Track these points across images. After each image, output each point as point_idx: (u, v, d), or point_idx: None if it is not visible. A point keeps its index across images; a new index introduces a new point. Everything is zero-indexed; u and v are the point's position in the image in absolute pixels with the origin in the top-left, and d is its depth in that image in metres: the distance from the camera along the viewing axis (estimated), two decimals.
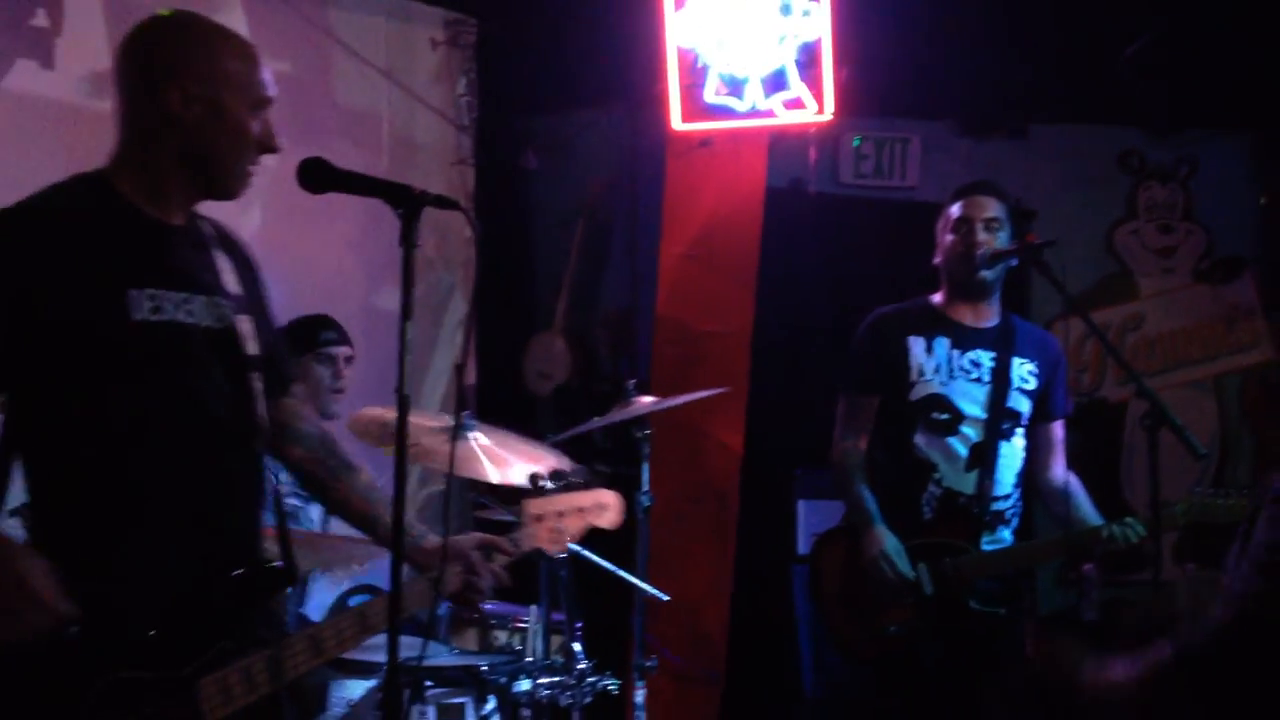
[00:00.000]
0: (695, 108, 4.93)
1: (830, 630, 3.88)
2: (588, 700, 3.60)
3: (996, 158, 5.61)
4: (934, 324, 3.82)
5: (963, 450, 3.72)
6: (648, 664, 3.90)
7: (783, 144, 5.17)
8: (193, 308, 2.25)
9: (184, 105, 2.20)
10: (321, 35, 5.03)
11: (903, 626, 3.68)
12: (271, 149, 2.31)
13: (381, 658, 3.47)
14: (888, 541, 3.65)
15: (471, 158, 5.58)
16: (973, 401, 3.75)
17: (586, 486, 2.96)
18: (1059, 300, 5.30)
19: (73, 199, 2.21)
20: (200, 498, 2.24)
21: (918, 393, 3.75)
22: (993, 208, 3.80)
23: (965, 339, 3.79)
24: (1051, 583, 5.45)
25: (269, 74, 2.30)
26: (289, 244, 4.81)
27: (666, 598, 3.87)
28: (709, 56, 4.91)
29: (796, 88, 4.86)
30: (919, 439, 3.73)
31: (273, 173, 4.74)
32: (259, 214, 4.74)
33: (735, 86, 4.89)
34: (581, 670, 3.57)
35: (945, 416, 3.73)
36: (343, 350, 4.13)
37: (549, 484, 3.20)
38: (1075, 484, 3.84)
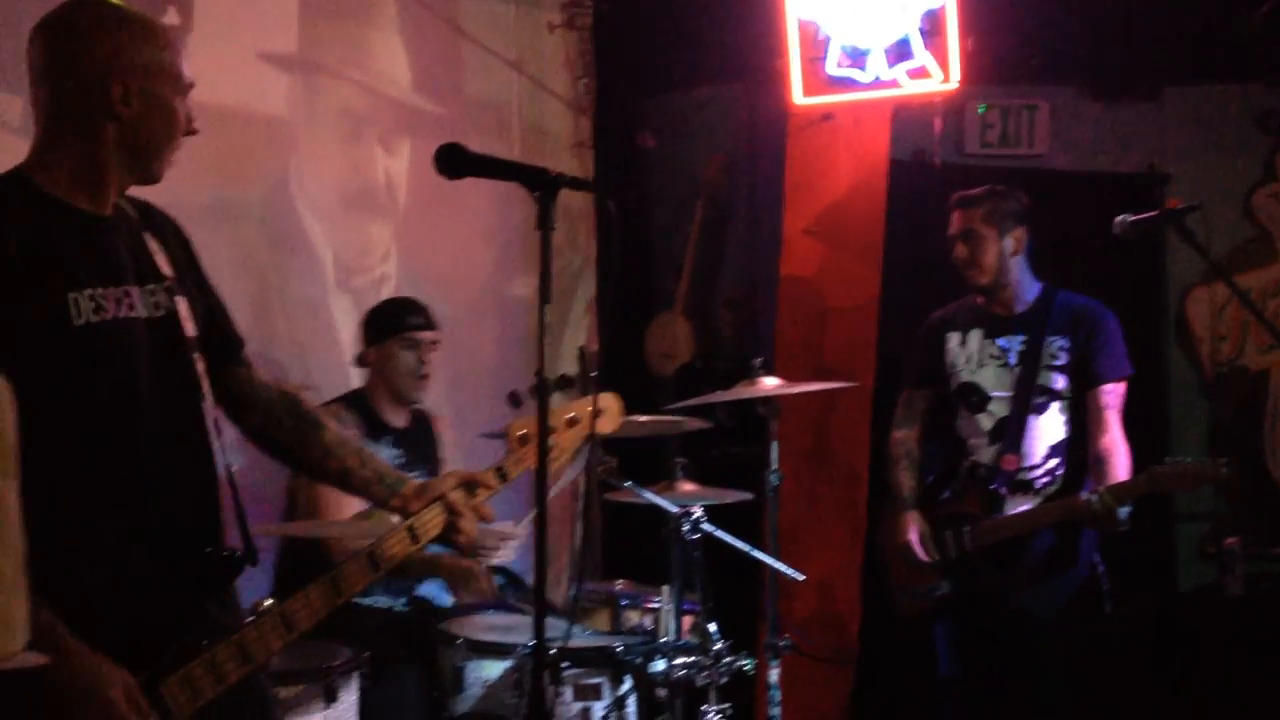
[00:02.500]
0: (817, 81, 4.86)
1: (887, 591, 4.30)
2: (723, 680, 3.58)
3: (1128, 122, 5.45)
4: (970, 319, 4.19)
5: (988, 425, 4.07)
6: (781, 643, 3.87)
7: (905, 115, 5.06)
8: (132, 300, 2.21)
9: (124, 100, 2.17)
10: (452, 29, 5.07)
11: (934, 590, 4.11)
12: (192, 131, 2.28)
13: (515, 639, 3.55)
14: (914, 529, 4.11)
15: (590, 140, 5.58)
16: (999, 383, 4.08)
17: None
18: (1196, 266, 5.16)
19: (2, 206, 2.15)
20: (151, 494, 2.19)
21: (954, 382, 4.15)
22: (964, 220, 4.17)
23: (996, 327, 4.13)
24: (1193, 556, 5.31)
25: (185, 58, 2.28)
26: (421, 233, 4.89)
27: (803, 577, 3.84)
28: (831, 28, 4.83)
29: (921, 56, 4.75)
30: (958, 422, 4.15)
31: (405, 165, 4.85)
32: (399, 204, 4.83)
33: (858, 57, 4.80)
34: (717, 650, 3.55)
35: (975, 399, 4.11)
36: (428, 335, 4.11)
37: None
38: (1112, 454, 3.87)
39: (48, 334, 2.10)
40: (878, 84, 4.82)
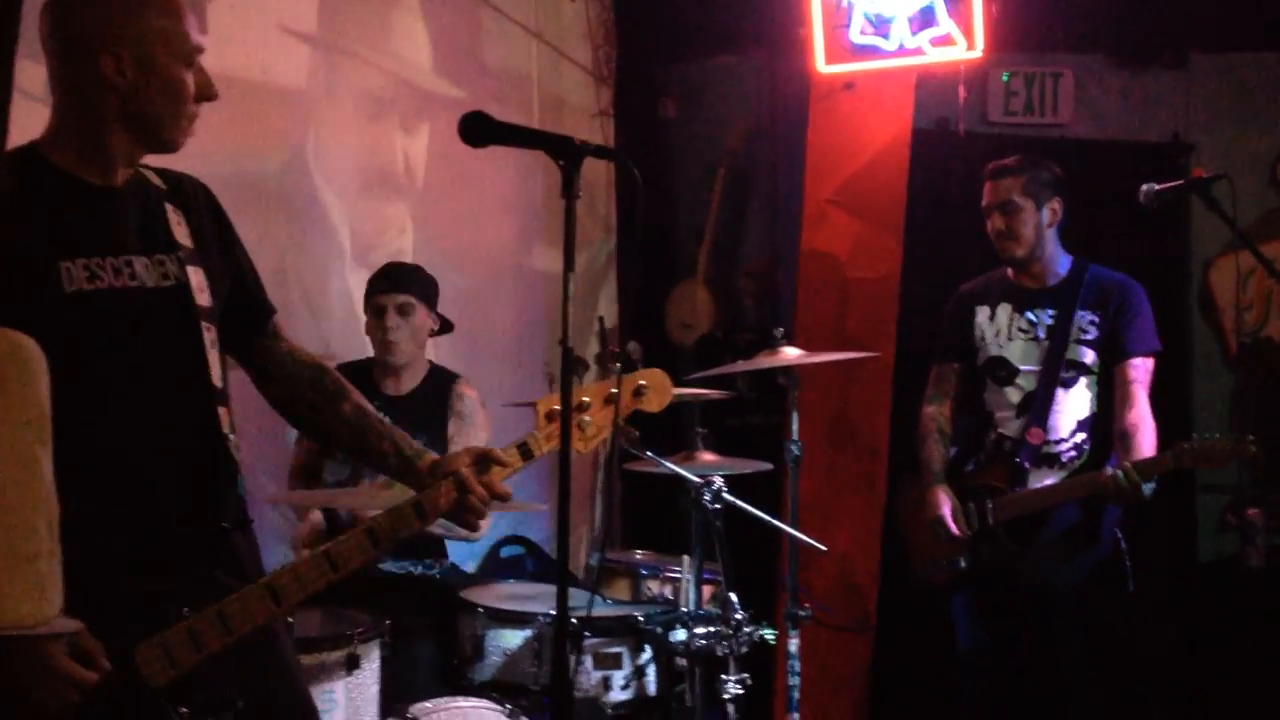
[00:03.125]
0: (840, 49, 4.82)
1: (907, 558, 4.30)
2: (743, 650, 3.59)
3: (1154, 90, 5.40)
4: (999, 292, 4.15)
5: (1015, 398, 4.04)
6: (801, 613, 3.88)
7: (929, 83, 5.02)
8: (134, 270, 2.21)
9: (118, 70, 2.17)
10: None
11: (954, 562, 4.09)
12: (209, 97, 2.27)
13: (536, 608, 3.56)
14: (946, 503, 4.05)
15: (611, 109, 5.56)
16: (1027, 357, 4.05)
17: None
18: (1220, 235, 5.12)
19: (2, 177, 2.17)
20: (144, 463, 2.20)
21: (982, 356, 4.12)
22: (1002, 190, 4.07)
23: (1025, 301, 4.10)
24: (1214, 528, 5.29)
25: (194, 25, 2.26)
26: (439, 207, 4.88)
27: (824, 548, 3.84)
28: None
29: (945, 24, 4.70)
30: (985, 395, 4.12)
31: (427, 138, 4.84)
32: (418, 174, 4.82)
33: (881, 25, 4.76)
34: (737, 620, 3.56)
35: (1003, 373, 4.07)
36: (392, 299, 4.04)
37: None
38: (1138, 429, 3.86)
39: (37, 301, 2.10)
40: (901, 52, 4.78)
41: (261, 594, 2.18)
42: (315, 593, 2.23)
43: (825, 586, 4.80)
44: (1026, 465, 3.98)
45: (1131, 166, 5.06)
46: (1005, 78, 5.30)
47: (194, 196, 2.38)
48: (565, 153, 2.21)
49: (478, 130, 2.24)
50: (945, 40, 4.74)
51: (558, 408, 2.35)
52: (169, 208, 2.31)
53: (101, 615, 2.02)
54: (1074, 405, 4.00)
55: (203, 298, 2.29)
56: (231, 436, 2.31)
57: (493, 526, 4.72)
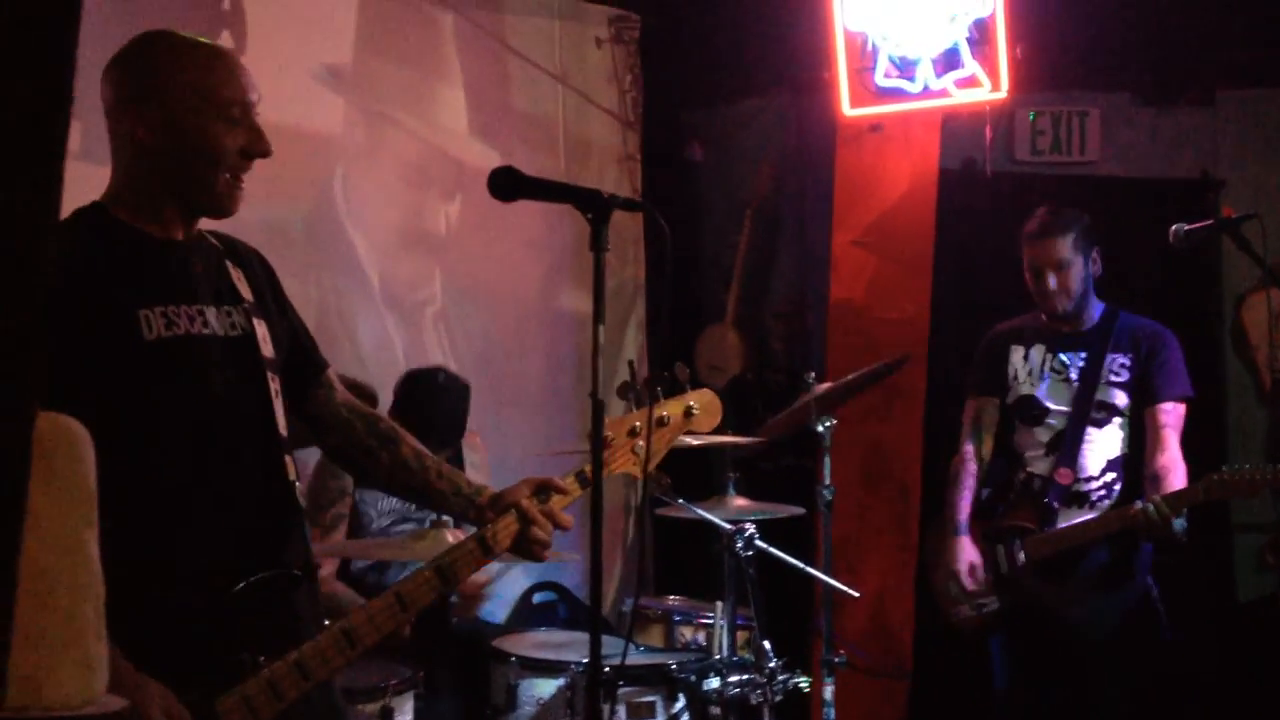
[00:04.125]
0: (865, 92, 4.84)
1: (937, 604, 4.25)
2: (778, 698, 3.56)
3: (1181, 127, 5.38)
4: (1035, 334, 4.16)
5: (1045, 438, 4.04)
6: (836, 660, 3.85)
7: (955, 123, 5.03)
8: (206, 318, 2.23)
9: (146, 133, 2.17)
10: (497, 44, 5.10)
11: (983, 606, 4.05)
12: (259, 154, 2.23)
13: (568, 657, 3.54)
14: (964, 558, 4.03)
15: (638, 153, 5.59)
16: (1058, 397, 4.06)
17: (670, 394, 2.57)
18: (1252, 272, 5.07)
19: (76, 231, 2.17)
20: (220, 508, 2.20)
21: (1012, 395, 4.13)
22: (1057, 249, 4.02)
23: (1059, 343, 4.11)
24: (1252, 567, 5.22)
25: (245, 78, 2.21)
26: (470, 247, 4.91)
27: (857, 594, 3.82)
28: (879, 38, 4.81)
29: (970, 65, 4.72)
30: (1015, 436, 4.11)
31: (455, 179, 4.87)
32: (446, 219, 4.85)
33: (907, 68, 4.78)
34: (771, 667, 3.54)
35: (1034, 413, 4.07)
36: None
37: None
38: (1169, 471, 3.86)
39: (120, 349, 2.12)
40: (926, 94, 4.80)
41: (337, 638, 2.18)
42: (387, 634, 2.24)
43: (859, 631, 4.76)
44: (1056, 505, 3.96)
45: (1160, 204, 5.03)
46: (1031, 117, 5.29)
47: (248, 256, 2.41)
48: (593, 206, 2.21)
49: (507, 185, 2.25)
50: (970, 82, 4.75)
51: (609, 434, 2.39)
52: (229, 264, 2.34)
53: (179, 668, 2.03)
54: (1105, 445, 3.99)
55: (267, 348, 2.32)
56: (297, 484, 2.33)
57: (524, 573, 4.72)
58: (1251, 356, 5.35)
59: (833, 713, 3.77)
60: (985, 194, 5.16)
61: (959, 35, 4.73)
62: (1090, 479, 3.98)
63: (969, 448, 4.18)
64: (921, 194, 4.98)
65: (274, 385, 2.32)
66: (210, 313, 2.24)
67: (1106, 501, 3.98)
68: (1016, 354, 4.15)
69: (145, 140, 2.18)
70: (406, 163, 4.74)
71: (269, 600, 2.22)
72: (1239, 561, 5.23)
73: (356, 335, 4.51)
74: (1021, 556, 3.97)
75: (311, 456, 4.18)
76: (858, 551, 4.71)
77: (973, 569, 4.02)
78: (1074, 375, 4.05)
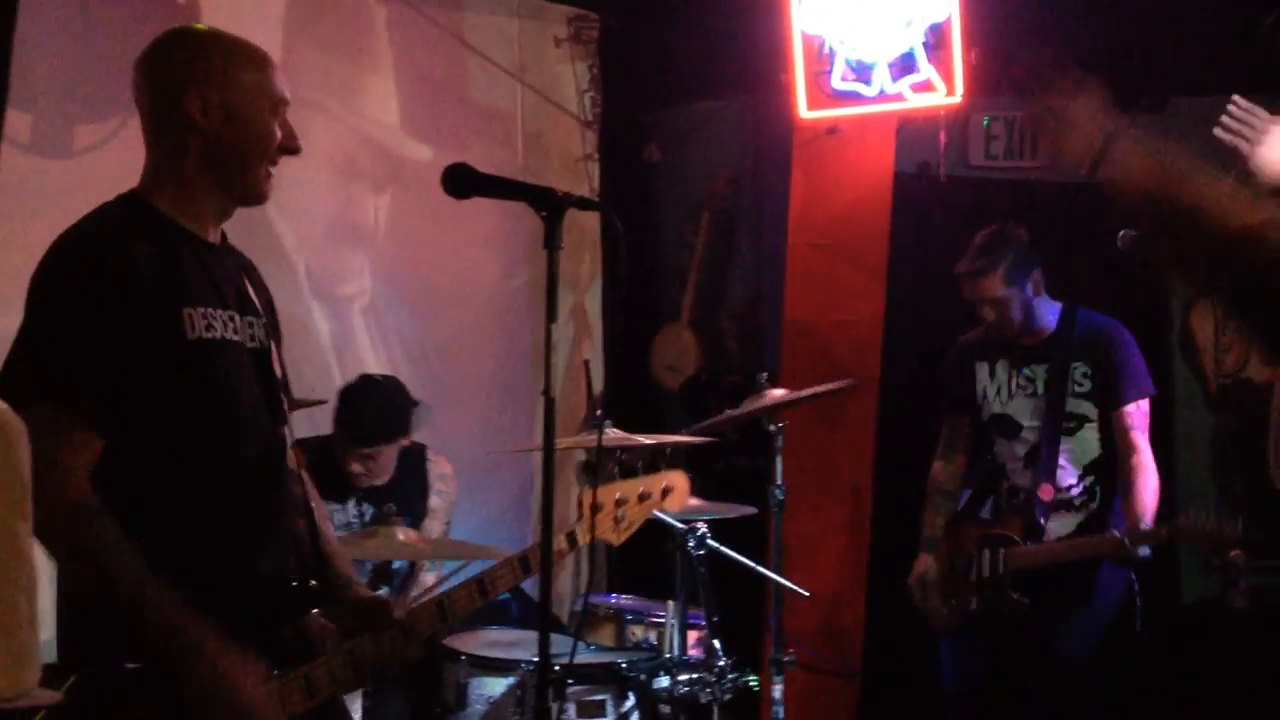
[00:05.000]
0: (822, 94, 4.86)
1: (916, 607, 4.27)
2: (727, 696, 3.58)
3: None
4: (996, 348, 4.20)
5: (1021, 451, 4.11)
6: (785, 659, 3.87)
7: (910, 127, 5.07)
8: (236, 325, 2.27)
9: (203, 112, 2.24)
10: (454, 40, 5.09)
11: (964, 605, 4.09)
12: (292, 149, 2.32)
13: (519, 655, 3.54)
14: (914, 571, 4.16)
15: (596, 153, 5.59)
16: (1028, 413, 4.12)
17: (649, 470, 2.83)
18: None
19: (122, 223, 2.22)
20: (253, 506, 2.27)
21: (986, 413, 4.20)
22: (988, 288, 4.09)
23: (1021, 357, 4.16)
24: (1197, 570, 5.29)
25: (283, 79, 2.32)
26: (424, 239, 4.88)
27: (807, 593, 3.84)
28: (835, 41, 4.83)
29: (925, 70, 4.75)
30: (995, 446, 4.19)
31: (408, 172, 4.83)
32: (394, 210, 4.82)
33: (863, 71, 4.81)
34: (721, 666, 3.55)
35: (1008, 428, 4.15)
36: (362, 456, 4.08)
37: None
38: (1135, 480, 3.95)
39: (165, 344, 2.15)
40: (882, 97, 4.83)
41: (344, 661, 2.25)
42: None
43: (810, 631, 4.78)
44: (1042, 521, 4.02)
45: (1111, 209, 5.08)
46: (986, 122, 5.34)
47: (259, 277, 2.46)
48: (548, 204, 2.21)
49: (460, 181, 2.25)
50: (926, 86, 4.78)
51: (599, 503, 2.64)
52: (244, 277, 2.38)
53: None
54: (1079, 451, 4.07)
55: (278, 367, 2.37)
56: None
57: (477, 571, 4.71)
58: (1198, 361, 5.42)
59: (781, 711, 3.79)
60: (940, 198, 5.20)
61: (915, 40, 4.76)
62: (1070, 486, 4.06)
63: (937, 465, 4.30)
64: (877, 197, 5.01)
65: (285, 403, 2.37)
66: (238, 320, 2.28)
67: (1091, 504, 4.06)
68: (982, 371, 4.21)
69: (202, 123, 2.24)
70: (335, 154, 4.68)
71: (298, 607, 2.30)
72: (1184, 563, 5.30)
73: (280, 324, 4.43)
74: (1001, 566, 4.02)
75: None
76: (809, 552, 4.73)
77: (924, 585, 4.13)
78: (1040, 388, 4.11)
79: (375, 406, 4.12)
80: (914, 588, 4.16)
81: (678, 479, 2.78)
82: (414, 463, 4.20)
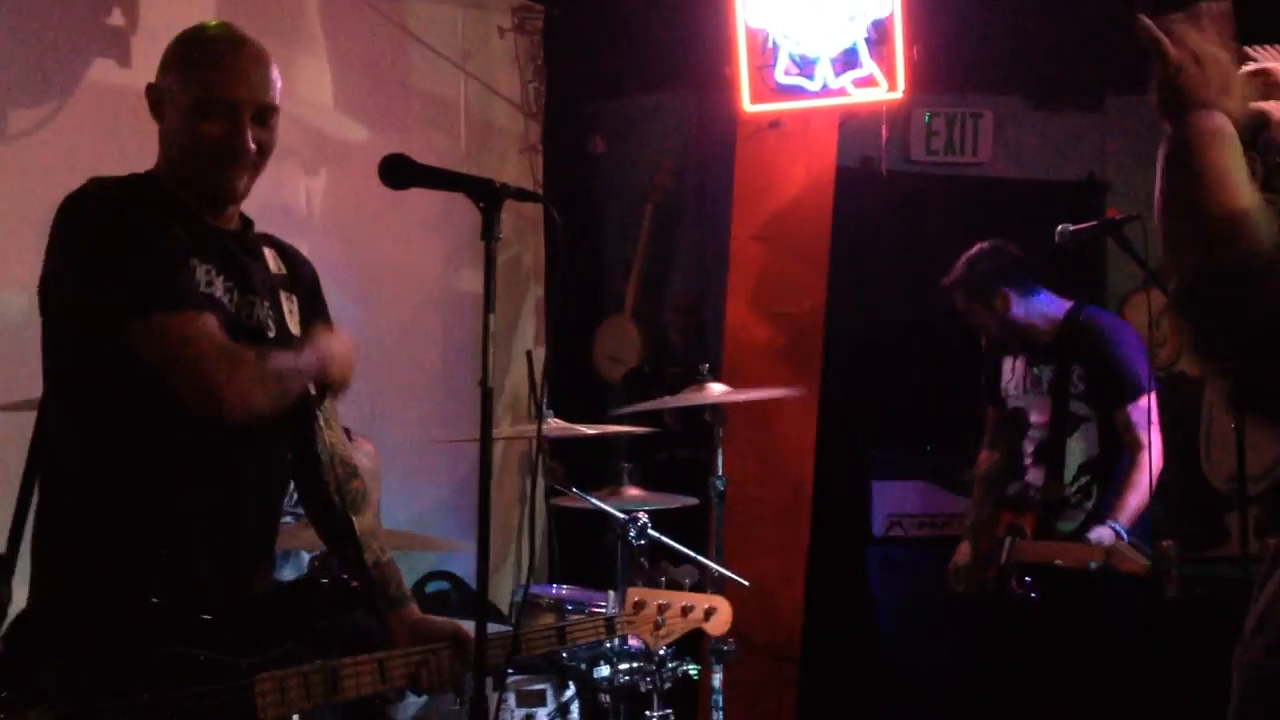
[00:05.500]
0: (765, 88, 4.89)
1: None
2: (667, 685, 3.59)
3: (1070, 131, 5.52)
4: (1019, 343, 4.28)
5: (1030, 448, 4.22)
6: (725, 648, 3.89)
7: (853, 122, 5.11)
8: (234, 296, 2.24)
9: (154, 105, 2.26)
10: (396, 28, 5.05)
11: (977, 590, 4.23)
12: (230, 154, 2.23)
13: None
14: (959, 559, 4.30)
15: (540, 144, 5.58)
16: (1039, 411, 4.22)
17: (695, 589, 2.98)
18: (1135, 273, 5.22)
19: (128, 186, 2.24)
20: (248, 491, 2.25)
21: (1008, 405, 4.31)
22: (961, 311, 4.31)
23: (1035, 355, 4.24)
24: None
25: (238, 75, 2.23)
26: (368, 227, 4.85)
27: (747, 583, 3.86)
28: (779, 36, 4.86)
29: (868, 65, 4.79)
30: (1020, 443, 4.27)
31: (351, 159, 4.79)
32: (330, 194, 4.77)
33: (806, 66, 4.84)
34: (661, 655, 3.57)
35: (1023, 423, 4.25)
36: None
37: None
38: (1124, 479, 4.01)
39: (176, 284, 2.13)
40: (825, 92, 4.86)
41: (371, 668, 2.24)
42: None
43: (751, 619, 4.81)
44: (1055, 522, 4.12)
45: (1049, 205, 5.16)
46: (927, 118, 5.40)
47: (297, 264, 2.44)
48: (486, 195, 2.21)
49: (398, 172, 2.24)
50: (868, 81, 4.82)
51: (639, 599, 2.73)
52: (266, 257, 2.36)
53: (221, 628, 2.11)
54: (1075, 451, 4.15)
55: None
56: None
57: (418, 562, 4.71)
58: None
59: (721, 699, 3.81)
60: (881, 192, 5.25)
61: (858, 35, 4.80)
62: (1067, 485, 4.14)
63: (983, 455, 4.41)
64: (819, 191, 5.04)
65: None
66: (236, 293, 2.24)
67: (1087, 503, 4.12)
68: (1006, 365, 4.32)
69: (155, 115, 2.26)
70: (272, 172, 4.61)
71: (331, 605, 2.30)
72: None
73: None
74: (1008, 556, 4.08)
75: None
76: (750, 542, 4.75)
77: (957, 572, 4.28)
78: (1045, 388, 4.19)
79: None
80: (949, 574, 4.28)
81: (723, 605, 2.86)
82: None
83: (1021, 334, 4.22)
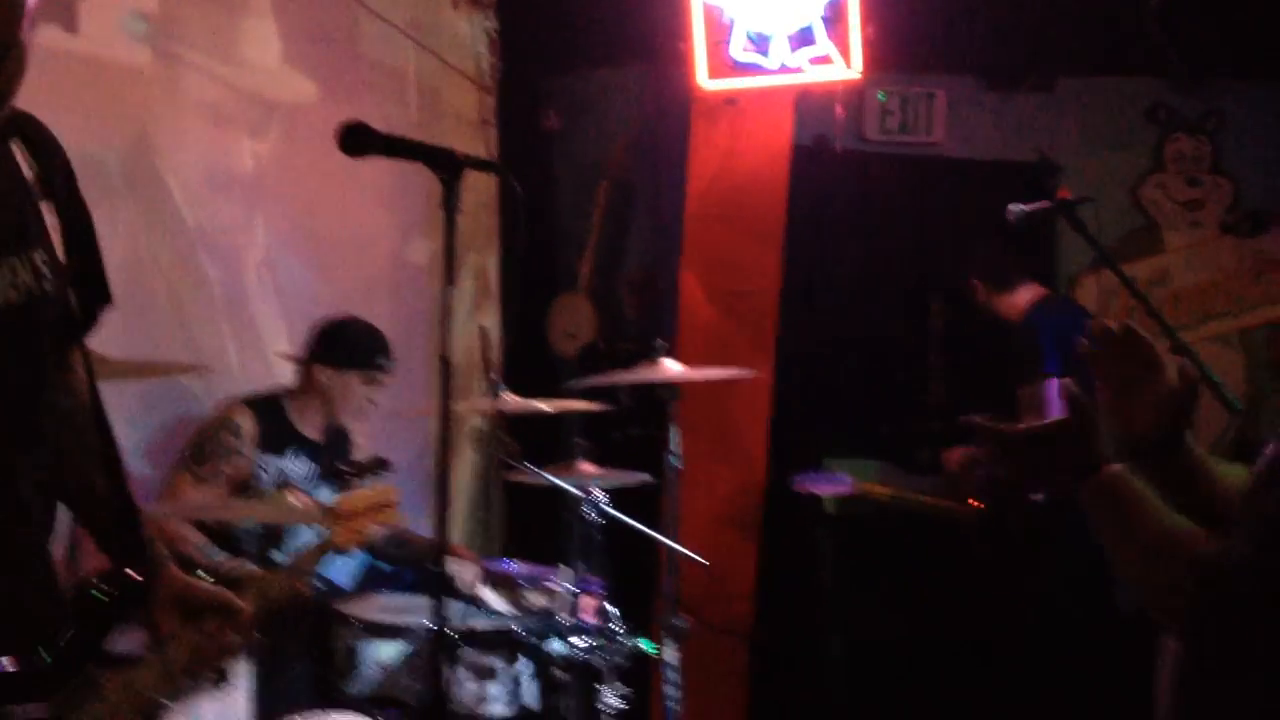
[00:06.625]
0: (721, 65, 4.88)
1: None
2: (622, 661, 3.60)
3: (1022, 112, 5.56)
4: None
5: None
6: (679, 624, 3.90)
7: (808, 100, 5.11)
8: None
9: None
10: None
11: None
12: None
13: (411, 620, 3.53)
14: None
15: (493, 118, 5.54)
16: None
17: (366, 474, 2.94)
18: (1085, 254, 5.28)
19: None
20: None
21: None
22: None
23: None
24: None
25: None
26: (320, 197, 4.78)
27: (705, 561, 3.88)
28: (735, 12, 4.85)
29: (824, 44, 4.80)
30: None
31: (301, 130, 4.72)
32: (289, 168, 4.69)
33: (762, 43, 4.84)
34: (615, 631, 3.57)
35: None
36: (389, 377, 4.11)
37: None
38: None
39: None
40: (781, 70, 4.86)
41: (158, 669, 1.98)
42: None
43: (703, 596, 4.83)
44: None
45: (1001, 185, 5.19)
46: (881, 97, 5.41)
47: (52, 154, 1.95)
48: (446, 165, 2.19)
49: (357, 140, 2.22)
50: (824, 60, 4.83)
51: (345, 511, 2.65)
52: (30, 178, 1.88)
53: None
54: None
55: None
56: None
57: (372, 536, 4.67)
58: None
59: (675, 675, 3.82)
60: (835, 171, 5.27)
61: (813, 14, 4.81)
62: None
63: None
64: (774, 168, 5.05)
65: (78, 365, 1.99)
66: None
67: None
68: None
69: None
70: (205, 97, 4.51)
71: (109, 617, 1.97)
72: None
73: (170, 276, 4.28)
74: None
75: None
76: (704, 519, 4.77)
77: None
78: None
79: (372, 328, 4.12)
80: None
81: (393, 493, 2.83)
82: (341, 432, 4.17)
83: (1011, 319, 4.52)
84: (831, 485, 4.77)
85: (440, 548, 2.30)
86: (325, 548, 2.65)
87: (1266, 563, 1.58)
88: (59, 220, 1.90)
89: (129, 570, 1.97)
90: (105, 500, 2.01)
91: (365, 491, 2.75)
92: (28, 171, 1.87)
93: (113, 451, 2.02)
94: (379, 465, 2.87)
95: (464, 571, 4.02)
